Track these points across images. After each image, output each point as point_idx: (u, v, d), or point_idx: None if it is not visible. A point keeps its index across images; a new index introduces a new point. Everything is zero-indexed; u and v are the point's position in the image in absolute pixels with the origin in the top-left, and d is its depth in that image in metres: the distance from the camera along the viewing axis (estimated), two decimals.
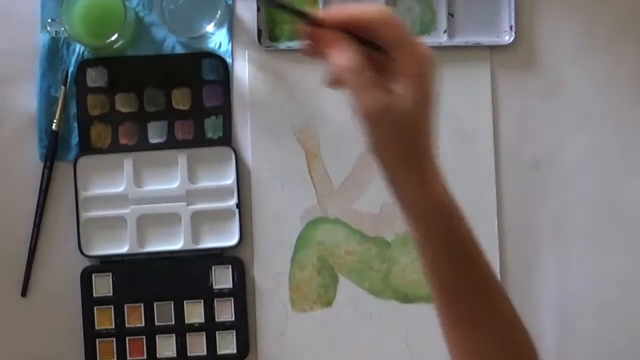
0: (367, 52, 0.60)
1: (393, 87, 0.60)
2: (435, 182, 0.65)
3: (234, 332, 0.84)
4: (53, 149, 0.84)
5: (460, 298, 0.66)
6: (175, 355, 0.84)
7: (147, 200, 0.85)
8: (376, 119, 0.62)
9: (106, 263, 0.85)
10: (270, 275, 0.85)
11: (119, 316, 0.84)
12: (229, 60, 0.86)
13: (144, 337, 0.84)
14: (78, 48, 0.85)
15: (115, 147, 0.85)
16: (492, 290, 0.66)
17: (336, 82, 0.63)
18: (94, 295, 0.84)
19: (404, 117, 0.62)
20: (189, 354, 0.84)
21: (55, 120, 0.84)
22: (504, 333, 0.68)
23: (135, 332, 0.84)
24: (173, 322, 0.84)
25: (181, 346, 0.84)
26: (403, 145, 0.63)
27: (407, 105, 0.61)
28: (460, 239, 0.65)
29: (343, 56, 0.59)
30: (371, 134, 0.62)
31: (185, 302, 0.84)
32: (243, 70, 0.86)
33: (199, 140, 0.85)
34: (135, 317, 0.84)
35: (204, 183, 0.85)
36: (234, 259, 0.85)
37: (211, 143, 0.85)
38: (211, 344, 0.84)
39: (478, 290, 0.66)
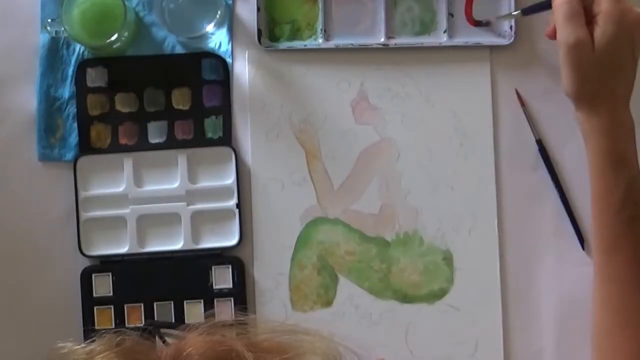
0: None
1: (594, 27, 0.73)
2: (616, 131, 0.73)
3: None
4: None
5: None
6: None
7: (147, 200, 0.85)
8: (566, 49, 0.73)
9: (106, 263, 0.85)
10: (270, 275, 0.85)
11: (119, 316, 0.84)
12: (229, 60, 0.86)
13: None
14: (78, 48, 0.85)
15: (115, 147, 0.85)
16: None
17: (553, 31, 0.76)
18: (94, 295, 0.84)
19: (591, 54, 0.73)
20: None
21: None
22: None
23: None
24: (173, 322, 0.84)
25: None
26: (585, 81, 0.74)
27: (598, 44, 0.72)
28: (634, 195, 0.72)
29: None
30: (563, 64, 0.74)
31: (185, 302, 0.84)
32: (243, 70, 0.86)
33: (199, 140, 0.85)
34: (135, 317, 0.84)
35: (204, 183, 0.85)
36: (234, 259, 0.85)
37: (211, 143, 0.85)
38: None
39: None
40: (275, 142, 0.86)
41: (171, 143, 0.85)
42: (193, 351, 0.59)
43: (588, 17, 0.75)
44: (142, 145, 0.85)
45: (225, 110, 0.86)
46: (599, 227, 0.76)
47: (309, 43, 0.86)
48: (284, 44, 0.86)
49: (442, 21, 0.86)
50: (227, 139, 0.85)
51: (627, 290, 0.74)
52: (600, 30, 0.73)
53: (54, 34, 0.83)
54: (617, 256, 0.75)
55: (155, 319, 0.84)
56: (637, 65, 0.76)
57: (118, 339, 0.62)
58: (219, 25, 0.85)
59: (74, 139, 0.85)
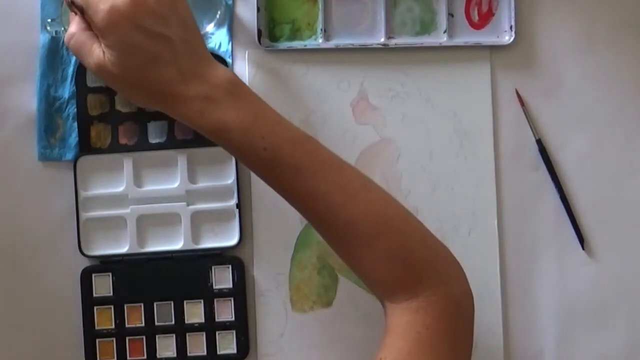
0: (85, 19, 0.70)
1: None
2: (193, 108, 0.71)
3: (234, 332, 0.84)
4: None
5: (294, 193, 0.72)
6: (175, 355, 0.84)
7: (147, 200, 0.85)
8: (100, 75, 0.71)
9: (106, 263, 0.85)
10: (270, 275, 0.85)
11: (119, 316, 0.84)
12: (229, 60, 0.86)
13: (144, 337, 0.84)
14: None
15: (115, 147, 0.85)
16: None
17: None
18: (94, 295, 0.84)
19: (115, 76, 0.70)
20: (189, 354, 0.84)
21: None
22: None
23: (135, 332, 0.84)
24: (173, 322, 0.84)
25: (181, 346, 0.84)
26: (136, 93, 0.72)
27: (111, 68, 0.70)
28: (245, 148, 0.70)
29: (72, 26, 0.72)
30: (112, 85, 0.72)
31: (185, 302, 0.84)
32: (243, 70, 0.86)
33: (199, 140, 0.85)
34: (135, 317, 0.84)
35: (204, 183, 0.85)
36: (234, 259, 0.85)
37: (211, 143, 0.85)
38: (211, 344, 0.84)
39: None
40: None
41: (171, 143, 0.85)
42: None
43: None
44: (142, 145, 0.85)
45: None
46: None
47: (309, 43, 0.86)
48: (284, 44, 0.86)
49: (442, 21, 0.86)
50: None
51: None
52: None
53: (54, 34, 0.83)
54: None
55: (155, 318, 0.84)
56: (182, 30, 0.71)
57: None
58: (219, 25, 0.85)
59: (74, 139, 0.85)
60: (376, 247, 0.69)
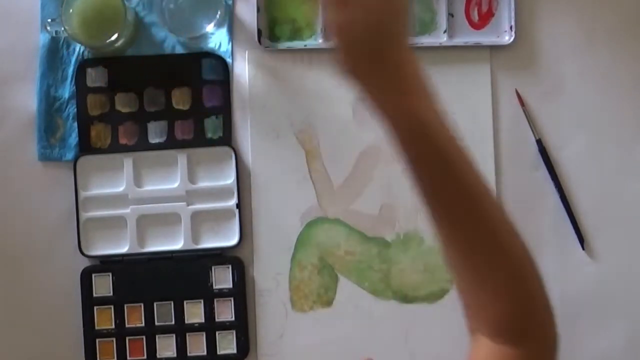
0: None
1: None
2: (411, 95, 0.64)
3: (234, 332, 0.84)
4: None
5: (448, 216, 0.65)
6: (175, 355, 0.84)
7: (147, 200, 0.85)
8: (336, 32, 0.64)
9: (106, 263, 0.85)
10: (270, 275, 0.85)
11: (119, 316, 0.84)
12: (229, 60, 0.86)
13: (144, 337, 0.84)
14: (78, 48, 0.85)
15: (115, 147, 0.85)
16: (486, 216, 0.65)
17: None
18: (94, 295, 0.84)
19: (362, 27, 0.63)
20: (189, 354, 0.84)
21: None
22: (501, 259, 0.65)
23: (135, 332, 0.84)
24: (173, 322, 0.84)
25: (181, 346, 0.84)
26: (368, 55, 0.64)
27: (363, 16, 0.62)
28: (446, 159, 0.64)
29: None
30: (339, 50, 0.64)
31: (185, 302, 0.85)
32: (243, 70, 0.86)
33: (199, 140, 0.85)
34: (135, 317, 0.84)
35: (204, 183, 0.85)
36: (234, 259, 0.85)
37: (211, 143, 0.85)
38: (211, 344, 0.84)
39: (468, 216, 0.65)
40: (275, 142, 0.86)
41: (171, 143, 0.85)
42: None
43: None
44: (142, 145, 0.85)
45: (225, 110, 0.86)
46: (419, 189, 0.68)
47: (309, 43, 0.86)
48: (284, 44, 0.86)
49: (442, 21, 0.86)
50: (227, 139, 0.85)
51: (465, 255, 0.66)
52: None
53: (54, 34, 0.83)
54: (441, 212, 0.66)
55: (155, 318, 0.84)
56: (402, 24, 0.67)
57: None
58: (219, 25, 0.85)
59: (74, 139, 0.85)
60: (505, 282, 0.68)
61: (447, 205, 0.65)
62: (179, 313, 0.84)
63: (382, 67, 0.65)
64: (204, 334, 0.84)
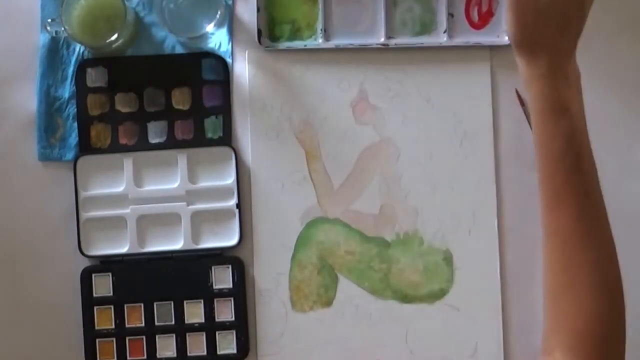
0: None
1: None
2: (557, 79, 0.73)
3: (234, 332, 0.84)
4: None
5: (560, 205, 0.72)
6: (175, 355, 0.84)
7: (147, 200, 0.85)
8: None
9: (106, 263, 0.85)
10: (270, 275, 0.85)
11: (119, 316, 0.84)
12: (229, 60, 0.86)
13: (144, 337, 0.84)
14: (78, 48, 0.86)
15: (115, 147, 0.85)
16: (596, 212, 0.72)
17: None
18: (94, 295, 0.84)
19: (535, 4, 0.72)
20: (189, 354, 0.84)
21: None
22: (601, 254, 0.71)
23: (135, 332, 0.84)
24: (173, 322, 0.84)
25: (181, 346, 0.84)
26: (525, 28, 0.73)
27: None
28: (576, 150, 0.72)
29: None
30: (507, 8, 0.73)
31: (185, 302, 0.85)
32: (243, 70, 0.86)
33: (199, 140, 0.85)
34: (135, 317, 0.85)
35: (204, 183, 0.85)
36: (234, 259, 0.85)
37: (211, 143, 0.85)
38: (211, 344, 0.84)
39: (580, 204, 0.72)
40: (275, 142, 0.86)
41: (171, 143, 0.85)
42: None
43: None
44: (142, 145, 0.85)
45: (225, 110, 0.86)
46: (542, 179, 0.74)
47: (309, 43, 0.86)
48: (284, 44, 0.86)
49: (442, 21, 0.86)
50: (227, 139, 0.85)
51: (571, 247, 0.71)
52: None
53: (54, 34, 0.83)
54: (560, 209, 0.72)
55: (155, 318, 0.84)
56: (585, 18, 0.75)
57: None
58: (219, 25, 0.85)
59: (74, 139, 0.85)
60: (599, 284, 0.70)
61: (573, 193, 0.72)
62: (179, 313, 0.84)
63: (556, 49, 0.73)
64: (204, 334, 0.84)
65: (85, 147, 0.85)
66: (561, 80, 0.73)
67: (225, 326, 0.84)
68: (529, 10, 0.73)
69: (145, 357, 0.84)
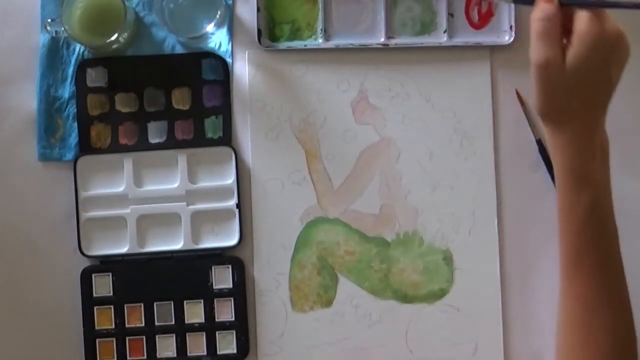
0: (565, 13, 0.71)
1: (568, 47, 0.70)
2: (580, 149, 0.72)
3: (234, 332, 0.84)
4: None
5: (580, 268, 0.73)
6: (175, 355, 0.84)
7: (147, 200, 0.85)
8: (535, 67, 0.72)
9: (106, 263, 0.85)
10: (270, 275, 0.85)
11: (119, 316, 0.84)
12: (229, 60, 0.86)
13: (144, 337, 0.84)
14: (78, 48, 0.86)
15: (115, 147, 0.85)
16: (615, 273, 0.73)
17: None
18: (94, 295, 0.84)
19: (560, 74, 0.71)
20: (189, 354, 0.84)
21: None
22: (618, 321, 0.72)
23: (135, 332, 0.84)
24: (173, 322, 0.84)
25: (181, 346, 0.84)
26: (551, 99, 0.72)
27: (569, 65, 0.70)
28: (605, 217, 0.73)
29: (541, 6, 0.71)
30: (532, 79, 0.72)
31: (185, 302, 0.85)
32: (243, 70, 0.86)
33: (199, 140, 0.85)
34: (135, 317, 0.85)
35: (204, 183, 0.85)
36: (234, 259, 0.85)
37: (211, 143, 0.85)
38: (211, 344, 0.84)
39: (601, 267, 0.72)
40: (275, 142, 0.86)
41: (171, 143, 0.85)
42: None
43: (565, 31, 0.72)
44: (142, 145, 0.85)
45: (225, 110, 0.86)
46: (563, 244, 0.74)
47: (309, 43, 0.86)
48: (284, 44, 0.86)
49: (442, 21, 0.86)
50: (227, 139, 0.85)
51: (589, 310, 0.72)
52: (573, 51, 0.70)
53: (54, 34, 0.83)
54: (578, 276, 0.73)
55: (155, 318, 0.84)
56: (614, 84, 0.73)
57: None
58: (219, 25, 0.85)
59: (74, 139, 0.85)
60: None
61: (593, 261, 0.73)
62: (179, 313, 0.84)
63: (581, 121, 0.72)
64: (204, 334, 0.85)
65: (85, 147, 0.85)
66: (586, 150, 0.72)
67: (225, 326, 0.84)
68: (556, 84, 0.71)
69: (145, 357, 0.84)
